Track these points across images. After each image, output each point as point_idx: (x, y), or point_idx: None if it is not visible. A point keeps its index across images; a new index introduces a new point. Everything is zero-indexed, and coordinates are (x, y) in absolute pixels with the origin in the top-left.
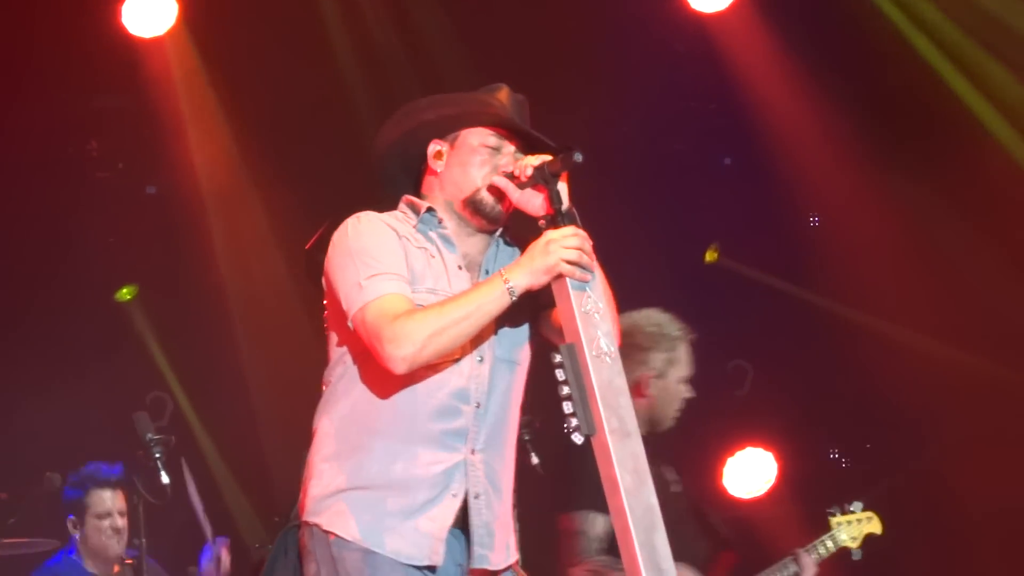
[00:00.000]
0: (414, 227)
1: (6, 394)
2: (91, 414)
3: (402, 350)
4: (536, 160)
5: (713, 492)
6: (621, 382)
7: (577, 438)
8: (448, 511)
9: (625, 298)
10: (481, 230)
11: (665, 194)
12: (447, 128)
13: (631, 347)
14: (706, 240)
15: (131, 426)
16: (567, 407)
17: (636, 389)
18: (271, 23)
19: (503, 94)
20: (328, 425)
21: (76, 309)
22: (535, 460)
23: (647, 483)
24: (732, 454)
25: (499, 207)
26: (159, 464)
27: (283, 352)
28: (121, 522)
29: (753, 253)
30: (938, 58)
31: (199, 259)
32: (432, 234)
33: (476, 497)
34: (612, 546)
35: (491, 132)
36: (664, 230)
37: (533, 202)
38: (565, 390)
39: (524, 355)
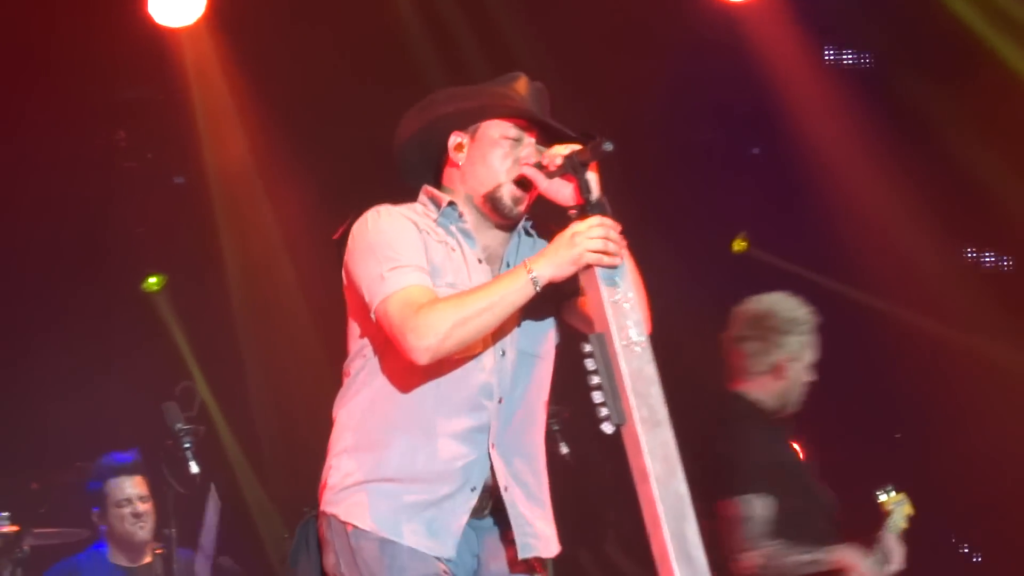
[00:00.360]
0: (434, 220)
1: (35, 384)
2: (120, 404)
3: (425, 340)
4: (565, 150)
5: None
6: (651, 371)
7: (607, 428)
8: (465, 505)
9: (654, 288)
10: (500, 225)
11: (693, 184)
12: (467, 121)
13: (768, 330)
14: (734, 230)
15: (160, 416)
16: (597, 397)
17: (776, 371)
18: (299, 12)
19: (521, 84)
20: (347, 417)
21: (105, 299)
22: (564, 450)
23: (677, 472)
24: None
25: (518, 207)
26: (188, 454)
27: (310, 342)
28: (142, 507)
29: (781, 243)
30: (975, 43)
31: (226, 249)
32: (452, 227)
33: (505, 490)
34: (776, 529)
35: (511, 124)
36: (692, 220)
37: (563, 192)
38: (595, 380)
39: (548, 349)
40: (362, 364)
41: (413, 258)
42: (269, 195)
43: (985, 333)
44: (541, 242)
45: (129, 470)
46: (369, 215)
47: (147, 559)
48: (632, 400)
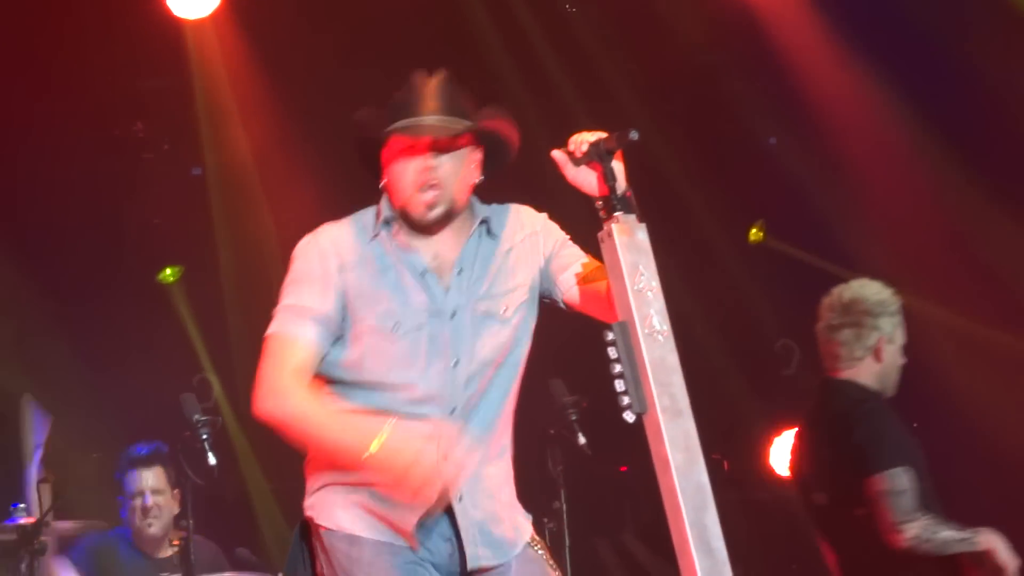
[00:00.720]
0: (376, 236)
1: (52, 375)
2: (137, 395)
3: (259, 405)
4: (592, 136)
5: (760, 471)
6: (673, 360)
7: (628, 416)
8: (415, 512)
9: (672, 277)
10: (437, 232)
11: (711, 174)
12: (377, 143)
13: (861, 314)
14: (751, 220)
15: (178, 407)
16: (619, 385)
17: (874, 355)
18: (314, 4)
19: (416, 86)
20: None
21: (121, 290)
22: (582, 440)
23: (698, 462)
24: (779, 433)
25: (431, 212)
26: (206, 445)
27: None
28: (152, 500)
29: (798, 232)
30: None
31: (243, 241)
32: (389, 244)
33: (460, 500)
34: (922, 500)
35: (404, 137)
36: (710, 210)
37: (588, 180)
38: (617, 368)
39: (508, 355)
40: (320, 371)
41: (307, 299)
42: (286, 186)
43: (1008, 325)
44: (506, 242)
45: (144, 463)
46: (303, 240)
47: (166, 552)
48: (654, 389)
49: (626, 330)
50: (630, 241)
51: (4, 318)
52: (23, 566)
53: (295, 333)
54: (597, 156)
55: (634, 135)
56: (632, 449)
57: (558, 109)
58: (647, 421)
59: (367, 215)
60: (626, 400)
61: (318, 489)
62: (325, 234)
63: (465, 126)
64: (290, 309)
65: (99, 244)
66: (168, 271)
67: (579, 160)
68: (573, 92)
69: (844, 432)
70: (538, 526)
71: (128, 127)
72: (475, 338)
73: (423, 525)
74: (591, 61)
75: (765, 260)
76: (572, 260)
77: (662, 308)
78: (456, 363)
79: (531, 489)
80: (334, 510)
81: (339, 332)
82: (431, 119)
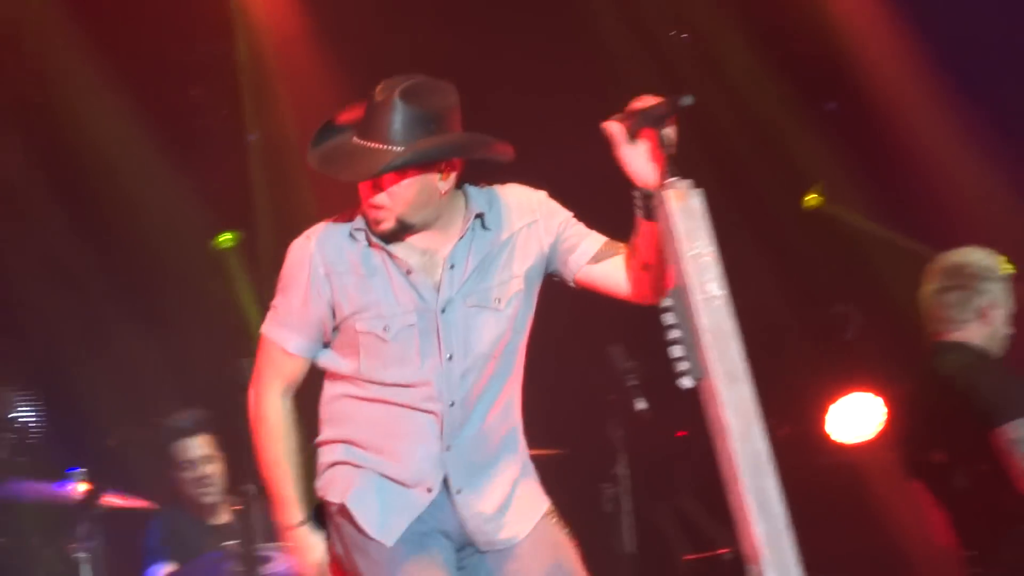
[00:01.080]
0: (364, 237)
1: (109, 341)
2: (191, 361)
3: (251, 405)
4: (647, 103)
5: (818, 436)
6: (730, 326)
7: (686, 382)
8: (418, 505)
9: (728, 243)
10: (419, 232)
11: (769, 139)
12: None
13: (968, 278)
14: (809, 185)
15: (230, 374)
16: (676, 351)
17: (981, 318)
18: None
19: (367, 105)
20: (323, 410)
21: (178, 256)
22: (641, 405)
23: (756, 427)
24: (837, 399)
25: (380, 227)
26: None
27: None
28: (206, 469)
29: (857, 198)
30: None
31: (299, 207)
32: (380, 241)
33: (459, 492)
34: None
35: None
36: (767, 175)
37: (639, 161)
38: (674, 334)
39: (505, 347)
40: (325, 361)
41: (288, 306)
42: None
43: None
44: (503, 232)
45: (191, 431)
46: (296, 241)
47: (225, 518)
48: (711, 355)
49: (682, 296)
50: (685, 207)
51: (67, 288)
52: (81, 531)
53: (281, 339)
54: (650, 122)
55: (688, 100)
56: (690, 414)
57: (608, 74)
58: (704, 387)
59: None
60: (683, 366)
61: (329, 466)
62: (315, 237)
63: (393, 157)
64: (277, 312)
65: (156, 210)
66: (225, 236)
67: (632, 127)
68: (627, 57)
69: (964, 388)
70: (598, 492)
71: (185, 92)
72: (468, 332)
73: (433, 503)
74: (646, 23)
75: (822, 225)
76: (579, 240)
77: (718, 274)
78: (450, 357)
79: (591, 455)
80: (344, 487)
81: (328, 337)
82: (363, 147)
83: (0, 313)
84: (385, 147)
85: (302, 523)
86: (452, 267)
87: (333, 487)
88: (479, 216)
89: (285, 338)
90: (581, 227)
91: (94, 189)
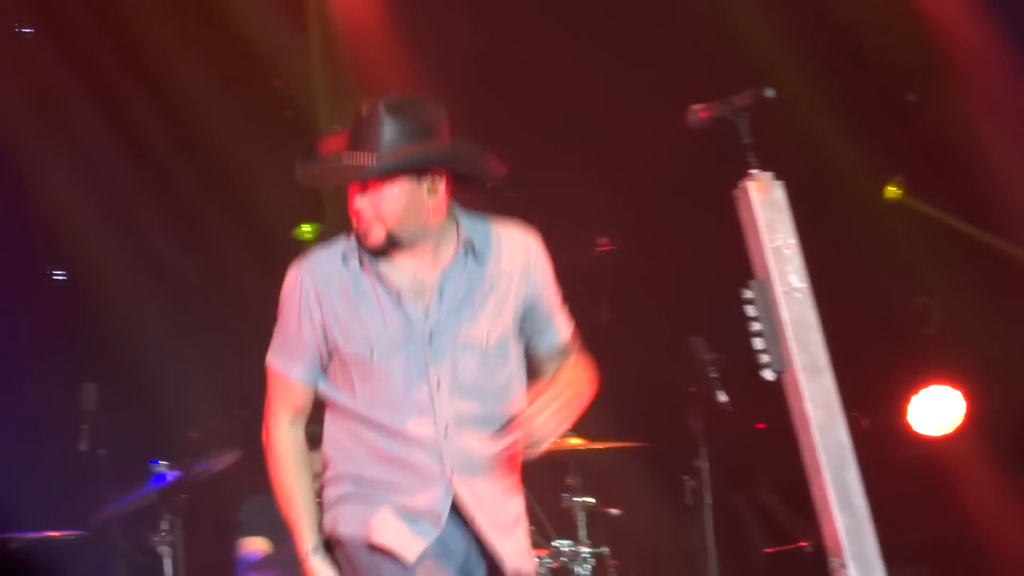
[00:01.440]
0: (355, 260)
1: (192, 332)
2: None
3: (265, 436)
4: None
5: (900, 429)
6: (812, 318)
7: (768, 374)
8: (429, 532)
9: (807, 233)
10: (407, 256)
11: (848, 130)
12: None
13: None
14: (889, 177)
15: None
16: (758, 343)
17: None
18: None
19: (354, 118)
20: (326, 447)
21: (258, 247)
22: (723, 398)
23: (838, 419)
24: (919, 391)
25: (368, 242)
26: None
27: None
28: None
29: (937, 191)
30: None
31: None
32: (371, 264)
33: (471, 521)
34: None
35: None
36: (848, 167)
37: None
38: (756, 326)
39: (493, 382)
40: (323, 391)
41: (286, 332)
42: None
43: None
44: (494, 268)
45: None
46: (291, 267)
47: None
48: (793, 347)
49: (764, 288)
50: (767, 199)
51: (153, 280)
52: (164, 523)
53: (284, 367)
54: (733, 114)
55: (769, 92)
56: (771, 406)
57: (694, 64)
58: (786, 379)
59: (348, 241)
60: (765, 358)
61: (334, 503)
62: (308, 262)
63: (382, 163)
64: (278, 340)
65: (236, 200)
66: (306, 228)
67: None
68: (711, 47)
69: None
70: (679, 484)
71: (268, 84)
72: (455, 365)
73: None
74: (729, 15)
75: (902, 218)
76: (548, 322)
77: (800, 266)
78: (438, 385)
79: (672, 448)
80: (353, 520)
81: (326, 362)
82: (351, 156)
83: (86, 306)
84: (372, 154)
85: (316, 551)
86: (441, 294)
87: (343, 520)
88: (471, 244)
89: (287, 366)
90: (559, 313)
91: (177, 182)
